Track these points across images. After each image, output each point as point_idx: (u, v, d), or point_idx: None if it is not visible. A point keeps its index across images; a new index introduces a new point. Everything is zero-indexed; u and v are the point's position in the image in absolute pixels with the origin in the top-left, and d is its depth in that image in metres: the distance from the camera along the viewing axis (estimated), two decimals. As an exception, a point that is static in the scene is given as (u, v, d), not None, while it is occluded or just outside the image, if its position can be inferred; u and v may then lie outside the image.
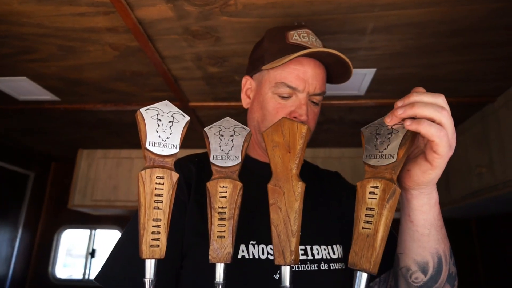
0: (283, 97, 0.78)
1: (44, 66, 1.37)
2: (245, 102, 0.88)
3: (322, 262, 0.73)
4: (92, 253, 2.94)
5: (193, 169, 0.79)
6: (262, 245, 0.71)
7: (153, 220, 0.53)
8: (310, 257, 0.73)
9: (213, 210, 0.58)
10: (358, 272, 0.48)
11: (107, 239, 3.03)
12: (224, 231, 0.57)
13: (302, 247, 0.74)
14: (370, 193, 0.52)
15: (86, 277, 2.90)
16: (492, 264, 2.27)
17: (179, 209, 0.74)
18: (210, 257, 0.55)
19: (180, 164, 0.80)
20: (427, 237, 0.57)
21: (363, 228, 0.50)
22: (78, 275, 2.97)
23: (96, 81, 1.49)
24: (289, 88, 0.77)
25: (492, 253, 2.27)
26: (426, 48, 1.16)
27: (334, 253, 0.76)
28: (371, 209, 0.50)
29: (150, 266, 0.52)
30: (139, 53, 1.25)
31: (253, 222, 0.73)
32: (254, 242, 0.71)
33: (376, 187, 0.51)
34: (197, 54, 1.23)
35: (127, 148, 2.53)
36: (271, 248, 0.72)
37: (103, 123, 2.01)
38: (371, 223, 0.49)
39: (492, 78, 1.34)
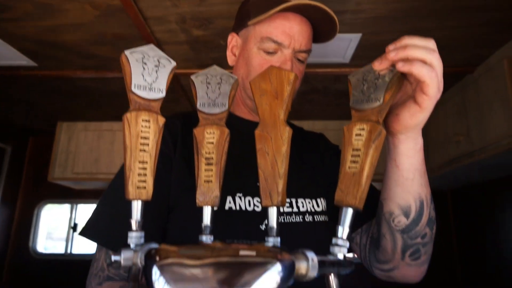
0: (268, 53, 0.77)
1: (19, 27, 1.31)
2: (230, 59, 0.87)
3: (307, 214, 0.75)
4: (74, 228, 2.91)
5: (178, 125, 0.79)
6: (248, 197, 0.72)
7: (139, 162, 0.53)
8: (295, 209, 0.75)
9: (200, 155, 0.58)
10: (344, 208, 0.49)
11: (89, 214, 3.00)
12: (212, 175, 0.57)
13: (288, 200, 0.75)
14: (356, 135, 0.52)
15: (68, 251, 2.88)
16: (464, 232, 2.38)
17: (164, 163, 0.73)
18: (197, 200, 0.56)
19: (165, 119, 0.79)
20: (411, 182, 0.58)
21: (349, 167, 0.51)
22: (60, 250, 2.94)
23: (75, 45, 1.43)
24: (274, 43, 0.76)
25: (465, 222, 2.37)
26: (411, 12, 1.16)
27: (318, 206, 0.78)
28: (357, 149, 0.51)
29: (136, 207, 0.52)
30: (120, 13, 1.20)
31: (240, 176, 0.74)
32: (240, 194, 0.72)
33: (363, 129, 0.52)
34: (181, 14, 1.20)
35: (109, 121, 2.48)
36: (257, 201, 0.73)
37: (83, 92, 1.95)
38: (357, 163, 0.51)
39: (473, 45, 1.36)
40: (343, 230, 0.48)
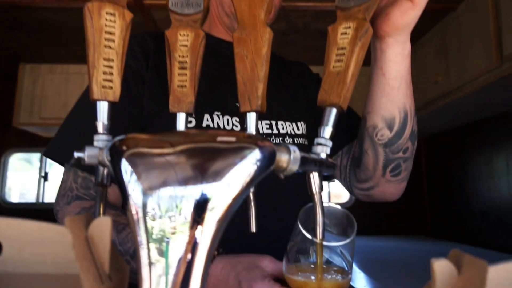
0: (248, -38, 0.71)
1: None
2: (206, -27, 0.80)
3: (287, 137, 0.74)
4: (45, 176, 2.83)
5: (150, 41, 0.74)
6: (227, 116, 0.69)
7: (104, 59, 0.48)
8: (275, 131, 0.73)
9: (173, 59, 0.53)
10: (328, 107, 0.46)
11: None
12: (186, 80, 0.53)
13: (267, 121, 0.73)
14: (341, 34, 0.49)
15: (40, 200, 2.82)
16: (435, 178, 2.48)
17: (135, 80, 0.69)
18: (170, 106, 0.51)
19: (135, 36, 0.74)
20: (397, 91, 0.57)
21: (333, 67, 0.48)
22: (31, 199, 2.88)
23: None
24: (255, -49, 0.70)
25: (436, 168, 2.46)
26: None
27: (298, 129, 0.76)
28: (342, 48, 0.48)
29: (103, 109, 0.47)
30: None
31: (218, 95, 0.71)
32: (219, 113, 0.69)
33: (348, 27, 0.49)
34: None
35: (77, 63, 2.32)
36: (236, 120, 0.70)
37: (45, 28, 1.80)
38: (342, 61, 0.48)
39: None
40: (326, 129, 0.45)
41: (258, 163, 0.33)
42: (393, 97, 0.57)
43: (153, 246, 0.30)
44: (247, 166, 0.32)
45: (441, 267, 0.26)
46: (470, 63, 1.31)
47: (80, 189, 0.65)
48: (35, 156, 2.98)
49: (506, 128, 1.68)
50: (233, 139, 0.35)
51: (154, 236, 0.31)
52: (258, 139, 0.35)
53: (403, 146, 0.61)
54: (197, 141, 0.34)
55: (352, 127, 0.73)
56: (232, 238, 0.64)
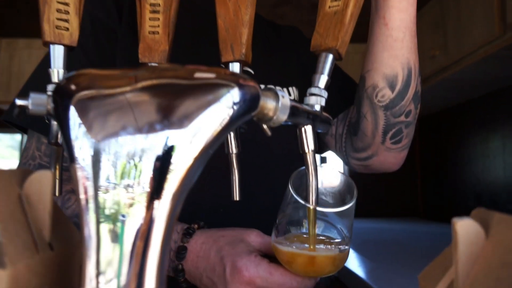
0: None
1: None
2: None
3: (277, 102, 0.67)
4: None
5: None
6: None
7: (58, -6, 0.40)
8: (264, 96, 0.66)
9: (143, 1, 0.46)
10: (323, 53, 0.39)
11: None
12: (158, 25, 0.46)
13: (256, 86, 0.66)
14: (340, -30, 0.42)
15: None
16: (428, 159, 2.45)
17: (107, 35, 0.62)
18: (140, 55, 0.44)
19: None
20: (400, 43, 0.51)
21: (329, 7, 0.41)
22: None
23: None
24: None
25: (430, 149, 2.43)
26: None
27: (290, 95, 0.70)
28: (340, -13, 0.41)
29: (57, 54, 0.40)
30: None
31: (201, 54, 0.64)
32: None
33: (348, -38, 0.41)
34: None
35: (57, 39, 2.19)
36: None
37: (21, -2, 1.68)
38: (339, 0, 0.40)
39: None
40: (321, 78, 0.39)
41: (236, 107, 0.26)
42: (396, 50, 0.51)
43: (103, 211, 0.23)
44: (220, 109, 0.25)
45: (465, 227, 0.21)
46: (470, 34, 1.25)
47: (43, 157, 0.58)
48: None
49: (502, 106, 1.63)
50: (211, 75, 0.27)
51: (106, 211, 0.23)
52: (241, 77, 0.28)
53: (406, 109, 0.55)
54: (164, 76, 0.27)
55: (347, 91, 0.67)
56: (217, 211, 0.58)
